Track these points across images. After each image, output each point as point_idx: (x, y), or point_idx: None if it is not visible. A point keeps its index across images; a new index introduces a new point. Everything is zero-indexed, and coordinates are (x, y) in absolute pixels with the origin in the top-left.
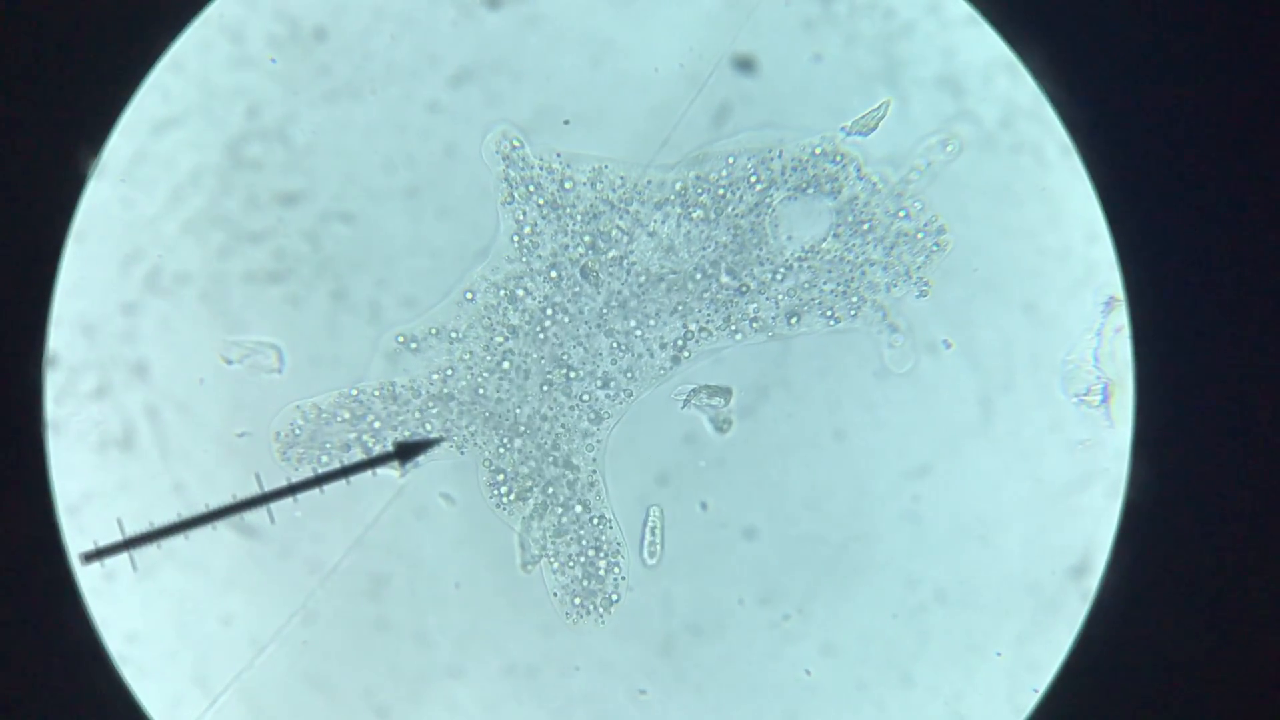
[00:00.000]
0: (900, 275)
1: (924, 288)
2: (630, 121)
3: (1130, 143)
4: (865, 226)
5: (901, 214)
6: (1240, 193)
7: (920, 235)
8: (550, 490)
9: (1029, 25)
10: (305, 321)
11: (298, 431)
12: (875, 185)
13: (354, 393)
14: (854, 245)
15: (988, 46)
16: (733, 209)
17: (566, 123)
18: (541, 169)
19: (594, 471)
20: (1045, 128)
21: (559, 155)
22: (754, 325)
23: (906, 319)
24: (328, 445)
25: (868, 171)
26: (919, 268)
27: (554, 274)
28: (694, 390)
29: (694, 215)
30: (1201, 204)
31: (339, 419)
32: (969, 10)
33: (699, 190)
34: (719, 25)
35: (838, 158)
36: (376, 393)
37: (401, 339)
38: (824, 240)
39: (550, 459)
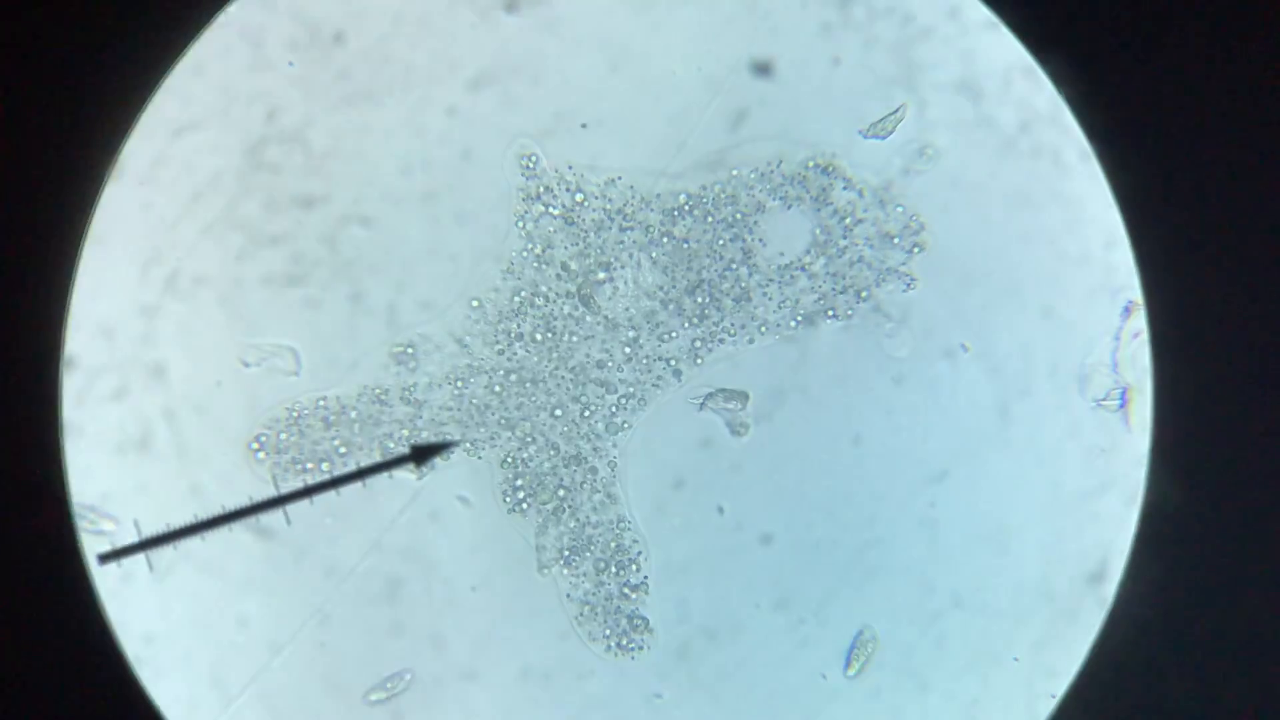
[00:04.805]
0: (887, 272)
1: (910, 282)
2: (647, 126)
3: (1149, 147)
4: (853, 230)
5: (850, 223)
6: (1259, 198)
7: (896, 240)
8: (564, 494)
9: (1048, 30)
10: (323, 325)
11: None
12: (861, 193)
13: (377, 390)
14: (844, 248)
15: (1007, 51)
16: (716, 232)
17: (584, 126)
18: (556, 181)
19: (613, 471)
20: (1064, 132)
21: (570, 168)
22: (761, 329)
23: (924, 322)
24: (337, 444)
25: (855, 180)
26: (903, 264)
27: (563, 278)
28: (711, 394)
29: (677, 231)
30: (1220, 208)
31: (352, 417)
32: (988, 15)
33: (692, 204)
34: (737, 29)
35: (829, 169)
36: (386, 396)
37: (398, 350)
38: (811, 249)
39: (567, 464)
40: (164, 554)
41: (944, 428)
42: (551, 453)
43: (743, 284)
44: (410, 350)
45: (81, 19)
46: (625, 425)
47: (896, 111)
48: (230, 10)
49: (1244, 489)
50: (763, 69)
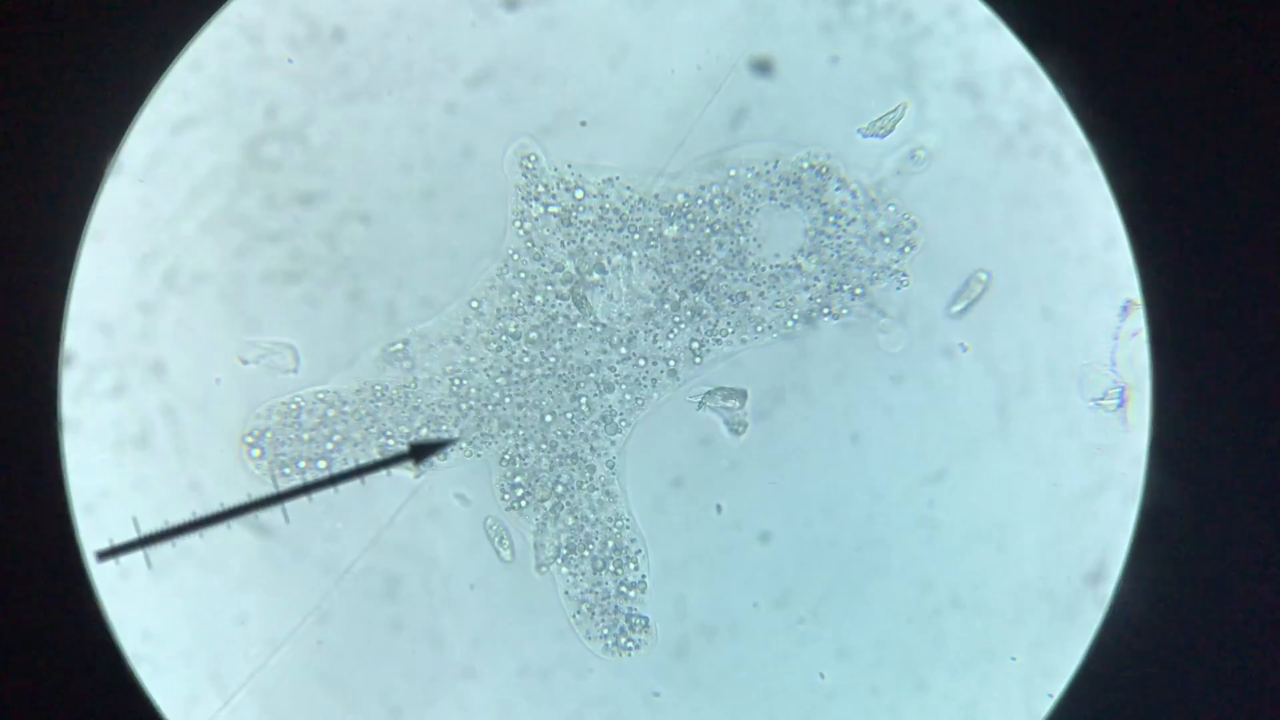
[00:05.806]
0: (880, 270)
1: (902, 279)
2: (647, 123)
3: (1148, 147)
4: (846, 229)
5: (843, 222)
6: (1258, 197)
7: (888, 240)
8: (562, 491)
9: (1048, 29)
10: (322, 322)
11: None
12: (854, 193)
13: (376, 387)
14: (837, 247)
15: (1007, 50)
16: (712, 231)
17: (583, 124)
18: (555, 180)
19: (611, 469)
20: (1064, 132)
21: (570, 166)
22: (758, 328)
23: (923, 321)
24: (336, 438)
25: (849, 180)
26: (896, 262)
27: (563, 285)
28: (710, 393)
29: (668, 233)
30: (1219, 208)
31: (349, 413)
32: (988, 14)
33: (689, 204)
34: (737, 28)
35: (823, 170)
36: (383, 390)
37: (395, 348)
38: (803, 249)
39: (565, 463)
40: (162, 551)
41: (942, 427)
42: (548, 449)
43: (739, 283)
44: (403, 347)
45: (82, 15)
46: (623, 424)
47: (896, 110)
48: (230, 6)
49: (1242, 488)
50: (762, 67)
